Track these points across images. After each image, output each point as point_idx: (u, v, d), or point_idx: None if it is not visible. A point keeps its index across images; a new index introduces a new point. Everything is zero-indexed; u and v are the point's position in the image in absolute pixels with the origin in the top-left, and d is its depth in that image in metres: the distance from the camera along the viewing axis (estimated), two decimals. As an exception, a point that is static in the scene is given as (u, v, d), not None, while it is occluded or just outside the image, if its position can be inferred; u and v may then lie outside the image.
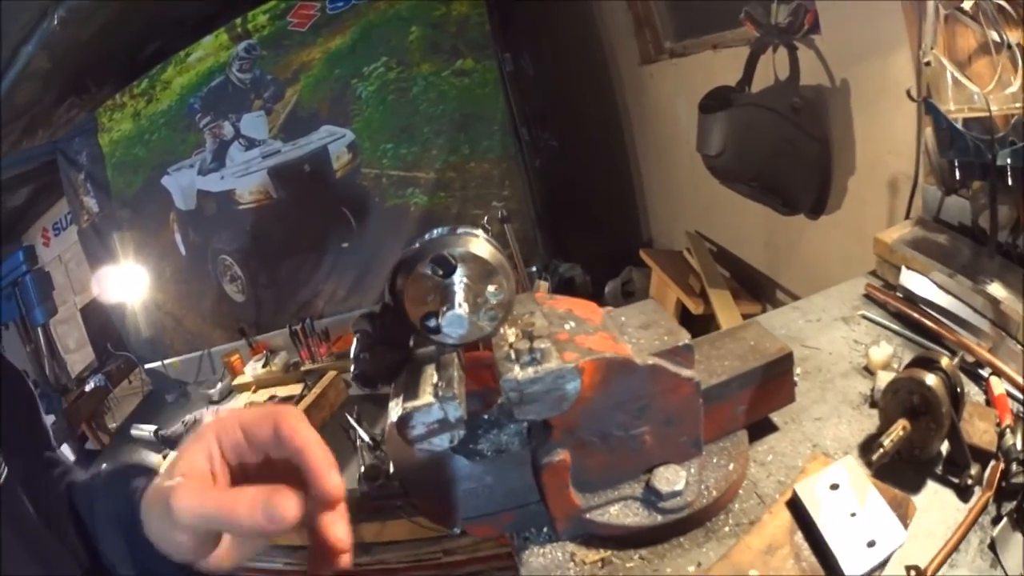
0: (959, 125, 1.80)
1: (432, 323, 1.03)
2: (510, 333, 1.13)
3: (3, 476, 0.95)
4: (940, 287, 1.82)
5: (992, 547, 1.16)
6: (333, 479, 0.71)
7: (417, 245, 1.06)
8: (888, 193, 2.47)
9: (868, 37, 2.38)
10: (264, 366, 4.40)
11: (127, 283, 4.82)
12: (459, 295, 1.01)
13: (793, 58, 2.68)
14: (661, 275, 4.00)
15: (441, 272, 1.04)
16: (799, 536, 1.13)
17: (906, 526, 1.13)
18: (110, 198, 5.30)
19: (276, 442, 0.74)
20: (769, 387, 1.36)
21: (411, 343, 1.13)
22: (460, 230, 1.07)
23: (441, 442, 1.03)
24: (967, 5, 1.79)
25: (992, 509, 1.22)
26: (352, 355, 1.14)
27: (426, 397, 1.01)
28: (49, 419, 4.55)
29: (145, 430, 4.15)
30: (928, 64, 1.84)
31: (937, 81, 1.85)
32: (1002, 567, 1.14)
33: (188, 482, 0.74)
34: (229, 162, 4.93)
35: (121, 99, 5.03)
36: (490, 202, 4.50)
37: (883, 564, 1.10)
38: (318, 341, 4.29)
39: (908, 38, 2.08)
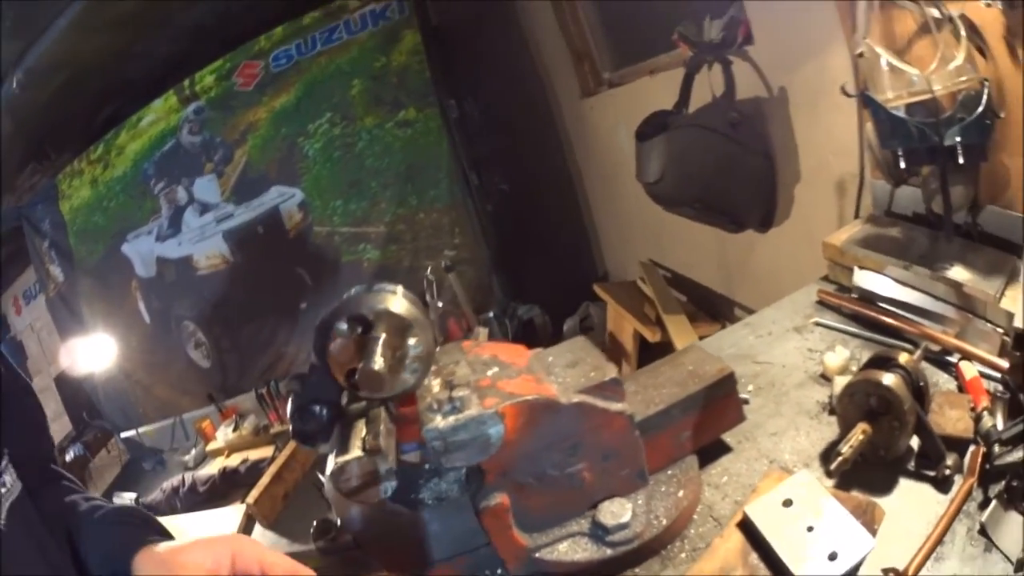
0: (901, 112, 1.82)
1: (355, 380, 1.05)
2: (434, 384, 1.15)
3: (18, 492, 1.04)
4: (897, 281, 1.84)
5: (983, 531, 1.16)
6: None
7: (336, 305, 1.09)
8: (836, 195, 2.50)
9: (802, 40, 2.43)
10: (235, 430, 4.42)
11: (95, 353, 4.85)
12: (378, 352, 1.03)
13: (728, 73, 2.73)
14: (616, 307, 4.03)
15: (360, 330, 1.06)
16: (754, 557, 1.14)
17: (874, 531, 1.14)
18: (74, 267, 5.32)
19: None
20: (714, 410, 1.37)
21: (343, 400, 1.15)
22: (376, 287, 1.10)
23: (374, 494, 1.05)
24: None
25: (978, 494, 1.23)
26: (288, 416, 1.15)
27: (355, 451, 1.03)
28: None
29: (125, 498, 4.13)
30: (861, 55, 1.86)
31: (873, 71, 1.86)
32: (998, 549, 1.14)
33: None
34: (185, 227, 4.97)
35: (79, 165, 5.08)
36: (442, 251, 4.54)
37: (852, 573, 1.10)
38: (285, 403, 4.26)
39: (843, 34, 2.12)
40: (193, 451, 4.51)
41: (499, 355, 1.26)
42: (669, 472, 1.32)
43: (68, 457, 5.27)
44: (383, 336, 1.06)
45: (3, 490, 1.01)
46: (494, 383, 1.15)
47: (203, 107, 4.76)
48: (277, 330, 5.03)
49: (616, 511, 1.21)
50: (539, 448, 1.16)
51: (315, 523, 1.32)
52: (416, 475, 1.15)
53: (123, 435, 5.42)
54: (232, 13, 4.40)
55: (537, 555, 1.20)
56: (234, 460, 4.13)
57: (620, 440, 1.22)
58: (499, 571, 1.23)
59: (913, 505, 1.23)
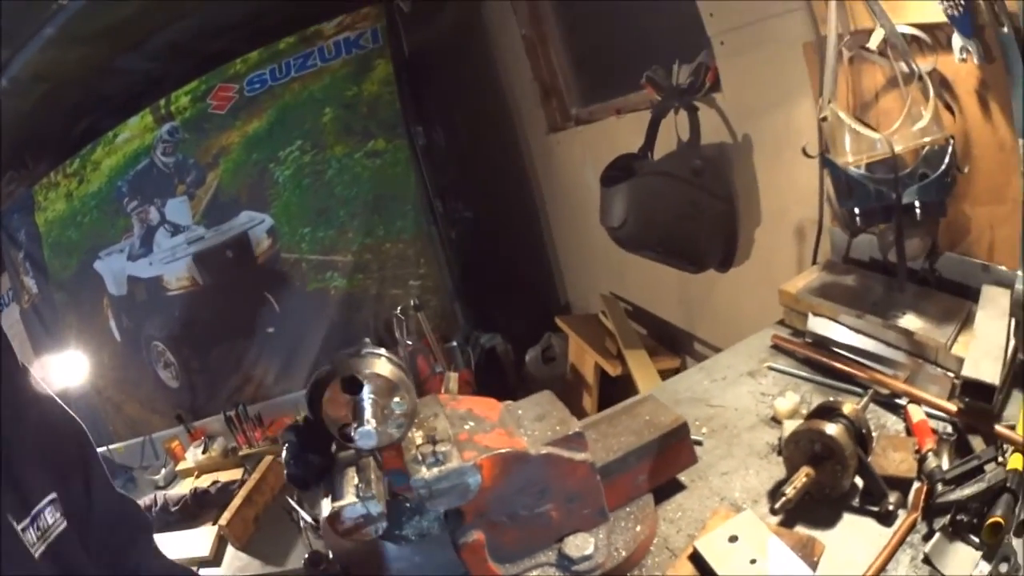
0: (863, 169, 1.94)
1: (348, 434, 1.19)
2: (417, 436, 1.30)
3: (61, 528, 1.12)
4: (850, 328, 1.98)
5: (927, 561, 1.28)
6: None
7: (328, 367, 1.24)
8: (796, 240, 2.62)
9: (770, 91, 2.54)
10: (204, 452, 4.46)
11: (66, 369, 4.83)
12: (368, 411, 1.18)
13: (693, 120, 2.83)
14: (578, 340, 4.13)
15: (351, 390, 1.21)
16: None
17: (813, 564, 1.29)
18: (48, 280, 5.35)
19: None
20: (668, 454, 1.54)
21: (333, 448, 1.29)
22: (365, 351, 1.25)
23: (367, 533, 1.19)
24: (873, 44, 1.93)
25: (923, 527, 1.35)
26: (284, 462, 1.29)
27: (349, 497, 1.17)
28: None
29: (95, 513, 4.16)
30: (824, 120, 1.99)
31: (835, 132, 1.98)
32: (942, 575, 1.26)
33: None
34: (156, 248, 5.02)
35: (56, 177, 5.11)
36: (407, 281, 4.70)
37: None
38: (253, 426, 4.39)
39: (811, 89, 2.22)
40: (163, 471, 4.53)
41: (474, 409, 1.41)
42: (628, 509, 1.48)
43: None
44: (372, 396, 1.20)
45: (36, 534, 1.08)
46: (471, 437, 1.31)
47: (177, 128, 4.81)
48: (245, 353, 5.08)
49: (580, 544, 1.37)
50: (511, 492, 1.32)
51: (307, 555, 1.48)
52: (400, 513, 1.29)
53: None
54: (207, 33, 4.48)
55: None
56: (204, 481, 4.16)
57: (583, 484, 1.38)
58: None
59: (858, 538, 1.37)
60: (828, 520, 1.42)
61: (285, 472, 1.30)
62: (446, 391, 3.11)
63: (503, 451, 1.28)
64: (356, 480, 1.20)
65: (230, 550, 3.40)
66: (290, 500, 2.92)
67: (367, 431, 1.17)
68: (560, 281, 5.46)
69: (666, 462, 1.55)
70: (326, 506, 1.20)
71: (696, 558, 1.34)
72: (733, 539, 1.34)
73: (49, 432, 1.25)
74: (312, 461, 1.27)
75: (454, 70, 5.12)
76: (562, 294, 5.46)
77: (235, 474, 4.09)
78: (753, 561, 1.28)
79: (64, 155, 5.05)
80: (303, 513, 2.69)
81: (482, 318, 4.99)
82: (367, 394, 1.21)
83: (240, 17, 4.50)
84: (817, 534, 1.38)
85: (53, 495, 1.14)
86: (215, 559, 3.38)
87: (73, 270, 5.29)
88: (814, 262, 2.41)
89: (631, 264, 3.55)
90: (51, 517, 1.12)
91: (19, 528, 1.04)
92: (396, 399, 1.23)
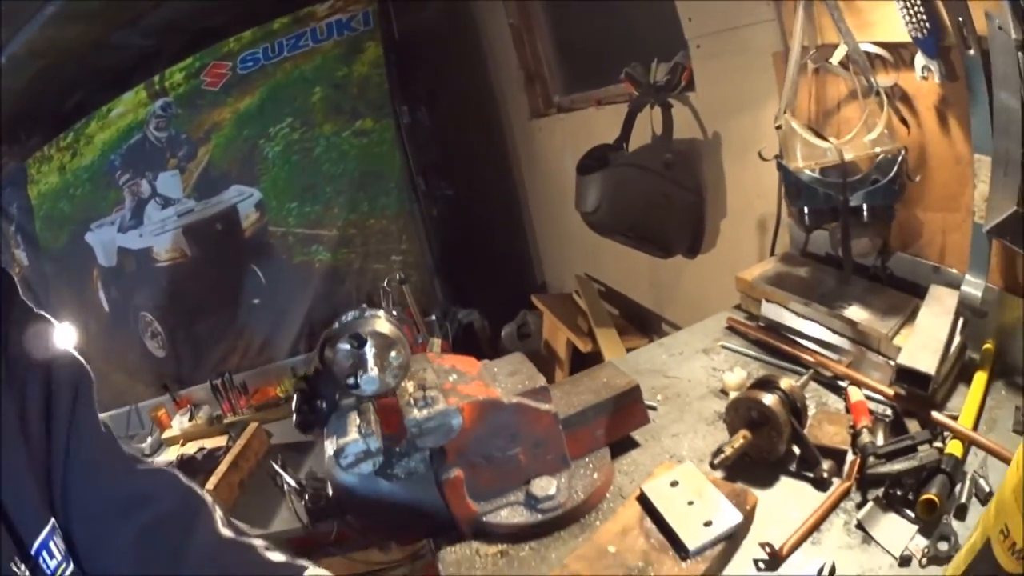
0: (817, 172, 2.14)
1: (352, 382, 1.43)
2: (409, 385, 1.54)
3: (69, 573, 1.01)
4: (798, 315, 2.19)
5: (860, 527, 1.42)
6: None
7: (337, 326, 1.49)
8: (758, 232, 2.81)
9: (740, 94, 2.71)
10: (190, 420, 4.62)
11: (57, 339, 4.89)
12: (371, 362, 1.43)
13: (667, 116, 3.01)
14: (551, 318, 4.34)
15: (356, 344, 1.46)
16: (648, 521, 1.49)
17: (746, 512, 1.45)
18: (39, 253, 5.44)
19: None
20: (622, 413, 1.79)
21: (338, 397, 1.55)
22: (368, 313, 1.50)
23: (366, 467, 1.44)
24: (836, 59, 2.10)
25: (856, 497, 1.50)
26: (294, 409, 1.55)
27: (352, 434, 1.42)
28: None
29: (80, 482, 4.28)
30: (779, 128, 2.16)
31: (789, 140, 2.13)
32: (876, 541, 1.39)
33: None
34: (147, 220, 5.14)
35: (49, 151, 5.19)
36: (390, 256, 4.89)
37: (725, 539, 1.41)
38: (238, 394, 4.58)
39: (778, 95, 2.33)
40: (149, 439, 4.64)
41: (456, 365, 1.67)
42: (587, 460, 1.73)
43: None
44: (374, 350, 1.46)
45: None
46: (455, 387, 1.56)
47: (170, 103, 4.91)
48: (231, 323, 5.22)
49: (544, 485, 1.62)
50: (487, 435, 1.57)
51: (306, 497, 1.74)
52: (391, 455, 1.52)
53: None
54: (203, 12, 4.59)
55: (484, 519, 1.60)
56: (190, 448, 4.31)
57: (548, 432, 1.64)
58: (453, 533, 1.65)
59: (793, 499, 1.54)
60: (766, 481, 1.61)
61: (294, 417, 1.54)
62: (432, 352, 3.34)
63: (481, 398, 1.54)
64: (358, 421, 1.44)
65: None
66: (274, 465, 2.96)
67: (371, 377, 1.42)
68: (537, 261, 5.65)
69: (621, 420, 1.80)
70: (330, 445, 1.44)
71: (643, 499, 1.55)
72: (674, 484, 1.54)
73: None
74: (319, 407, 1.52)
75: (442, 54, 5.25)
76: (539, 274, 5.64)
77: (220, 441, 4.25)
78: (691, 503, 1.48)
79: (56, 129, 5.13)
80: (287, 477, 2.86)
81: (460, 294, 5.15)
82: (369, 348, 1.46)
83: (234, -3, 4.58)
84: (755, 491, 1.55)
85: (52, 522, 1.01)
86: None
87: (64, 242, 5.38)
88: (772, 253, 2.61)
89: (605, 248, 3.68)
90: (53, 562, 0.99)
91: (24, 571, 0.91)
92: (393, 353, 1.48)
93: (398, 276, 3.69)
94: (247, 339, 5.27)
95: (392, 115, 4.86)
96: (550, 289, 5.43)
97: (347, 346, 1.46)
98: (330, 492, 1.59)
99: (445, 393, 1.53)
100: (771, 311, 2.27)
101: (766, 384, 1.71)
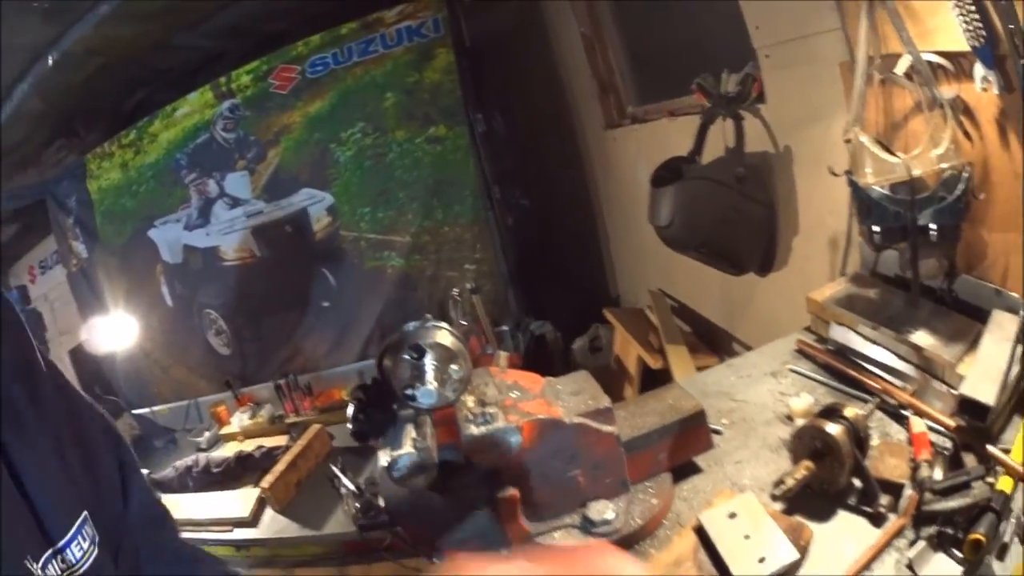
0: (886, 189, 2.06)
1: (410, 393, 1.40)
2: (468, 400, 1.51)
3: (93, 557, 0.96)
4: (866, 339, 2.11)
5: (910, 567, 1.35)
6: None
7: (398, 335, 1.45)
8: (829, 250, 2.72)
9: (809, 106, 2.64)
10: (251, 417, 4.62)
11: (115, 331, 5.01)
12: (430, 374, 1.39)
13: (739, 128, 2.95)
14: (623, 333, 4.26)
15: (416, 356, 1.42)
16: (702, 553, 1.45)
17: (801, 548, 1.40)
18: (98, 245, 5.52)
19: None
20: (686, 437, 1.73)
21: (395, 407, 1.51)
22: (429, 324, 1.46)
23: (419, 481, 1.40)
24: (900, 69, 2.04)
25: (911, 534, 1.43)
26: (350, 417, 1.51)
27: (407, 447, 1.38)
28: None
29: (132, 472, 4.32)
30: (848, 142, 2.09)
31: (858, 155, 2.06)
32: None
33: None
34: (214, 219, 5.19)
35: (109, 148, 5.28)
36: (463, 264, 4.82)
37: None
38: (302, 395, 4.55)
39: (846, 106, 2.27)
40: (207, 433, 4.64)
41: (519, 381, 1.63)
42: (647, 484, 1.68)
43: None
44: (434, 363, 1.42)
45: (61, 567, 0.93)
46: (516, 404, 1.52)
47: (238, 105, 4.95)
48: (298, 325, 5.21)
49: (601, 509, 1.57)
50: (546, 455, 1.53)
51: (358, 505, 1.71)
52: (447, 468, 1.48)
53: (135, 412, 5.54)
54: (266, 15, 4.63)
55: (537, 539, 1.56)
56: (249, 445, 4.28)
57: (608, 454, 1.59)
58: (505, 552, 1.56)
59: (849, 534, 1.48)
60: (823, 513, 1.55)
61: (349, 426, 1.51)
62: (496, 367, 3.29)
63: (541, 417, 1.49)
64: (413, 434, 1.40)
65: (268, 512, 3.52)
66: (334, 468, 3.05)
67: (428, 391, 1.38)
68: (611, 274, 5.53)
69: (685, 444, 1.73)
70: (384, 456, 1.40)
71: (700, 530, 1.50)
72: (732, 515, 1.49)
73: (79, 440, 1.04)
74: (375, 417, 1.48)
75: (513, 62, 5.20)
76: (612, 287, 5.53)
77: (280, 440, 4.22)
78: (747, 537, 1.43)
79: (117, 126, 5.22)
80: (345, 480, 2.85)
81: (533, 305, 5.07)
82: (429, 360, 1.42)
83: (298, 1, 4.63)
84: (811, 524, 1.49)
85: (84, 515, 0.96)
86: (252, 520, 3.53)
87: (127, 237, 5.47)
88: (842, 273, 2.54)
89: (679, 262, 3.61)
90: (79, 550, 0.94)
91: (38, 567, 0.87)
92: (454, 366, 1.44)
93: (469, 285, 3.65)
94: (314, 342, 5.26)
95: (466, 122, 4.80)
96: (624, 303, 5.31)
97: (407, 356, 1.43)
98: (381, 502, 1.55)
99: (505, 410, 1.50)
100: (839, 334, 2.20)
101: (832, 413, 1.64)
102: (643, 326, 4.22)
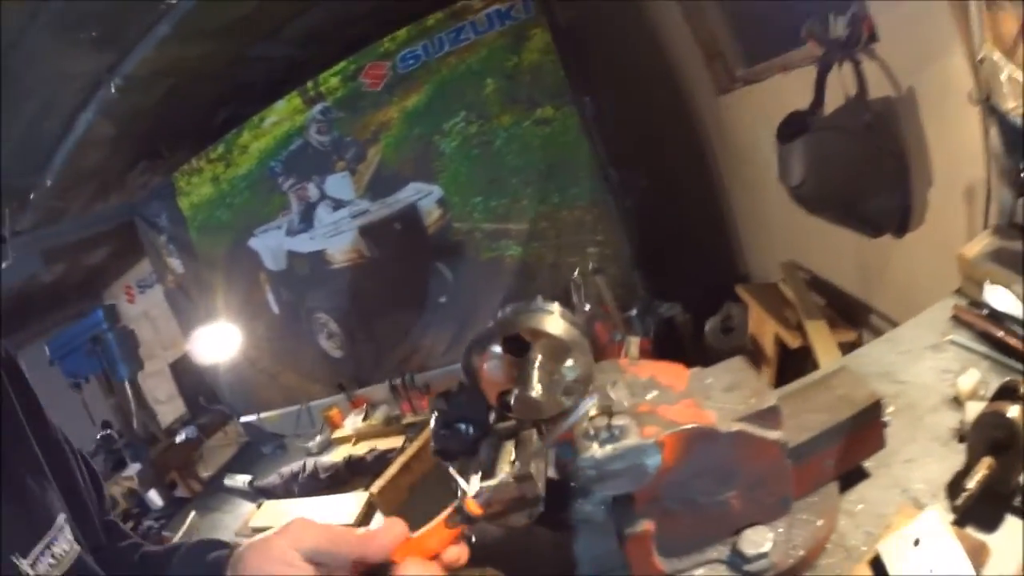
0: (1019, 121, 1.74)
1: (507, 400, 1.02)
2: (591, 406, 1.10)
3: (77, 555, 0.99)
4: (1020, 299, 1.71)
5: None
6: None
7: (491, 324, 1.06)
8: (966, 202, 2.40)
9: (924, 39, 2.37)
10: (364, 419, 4.43)
11: (220, 342, 4.92)
12: (534, 375, 0.99)
13: (859, 73, 2.66)
14: (758, 310, 3.92)
15: (514, 350, 1.03)
16: None
17: (980, 573, 1.07)
18: (195, 259, 5.47)
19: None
20: (859, 436, 1.29)
21: (491, 418, 1.12)
22: (534, 306, 1.06)
23: (518, 519, 1.01)
24: None
25: None
26: (432, 432, 1.14)
27: (503, 475, 0.99)
28: (134, 467, 4.80)
29: (239, 480, 4.21)
30: (982, 62, 1.81)
31: (995, 78, 1.79)
32: None
33: (303, 519, 0.92)
34: (317, 223, 5.03)
35: (198, 164, 5.21)
36: (585, 248, 4.45)
37: None
38: (419, 394, 4.33)
39: (960, 36, 2.03)
40: (318, 438, 4.49)
41: (658, 376, 1.20)
42: (810, 499, 1.25)
43: (179, 439, 5.40)
44: (539, 359, 1.02)
45: (51, 562, 0.96)
46: (653, 409, 1.10)
47: (330, 107, 4.79)
48: (414, 323, 5.02)
49: (758, 540, 1.15)
50: (692, 476, 1.11)
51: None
52: (561, 492, 1.10)
53: (243, 419, 5.54)
54: (348, 18, 4.49)
55: None
56: (361, 449, 4.10)
57: (771, 468, 1.16)
58: None
59: (1015, 544, 1.13)
60: (990, 520, 1.18)
61: (431, 446, 1.16)
62: (626, 357, 2.88)
63: (689, 427, 1.07)
64: (513, 456, 1.02)
65: (377, 518, 3.28)
66: (451, 469, 2.79)
67: (528, 396, 0.98)
68: (738, 249, 5.22)
69: (857, 445, 1.30)
70: (474, 484, 1.01)
71: (876, 564, 1.12)
72: (917, 543, 1.10)
73: (57, 448, 1.12)
74: (463, 432, 1.11)
75: (612, 38, 4.89)
76: (740, 263, 5.21)
77: (395, 442, 4.00)
78: (931, 571, 1.06)
79: (204, 142, 5.16)
80: (462, 483, 2.54)
81: (660, 287, 4.70)
82: (534, 355, 1.02)
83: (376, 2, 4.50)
84: (982, 538, 1.14)
85: (64, 515, 1.02)
86: (358, 526, 3.23)
87: (226, 248, 5.40)
88: (985, 226, 2.16)
89: (808, 230, 3.41)
90: (65, 544, 0.98)
91: (27, 563, 0.91)
92: (568, 362, 1.04)
93: (591, 266, 3.37)
94: (432, 338, 5.04)
95: (573, 102, 4.47)
96: (753, 279, 4.94)
97: (499, 351, 1.03)
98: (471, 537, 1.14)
99: (639, 419, 1.07)
100: (995, 296, 1.77)
101: (1009, 393, 1.21)
102: (777, 302, 3.87)
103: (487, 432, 1.11)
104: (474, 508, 0.94)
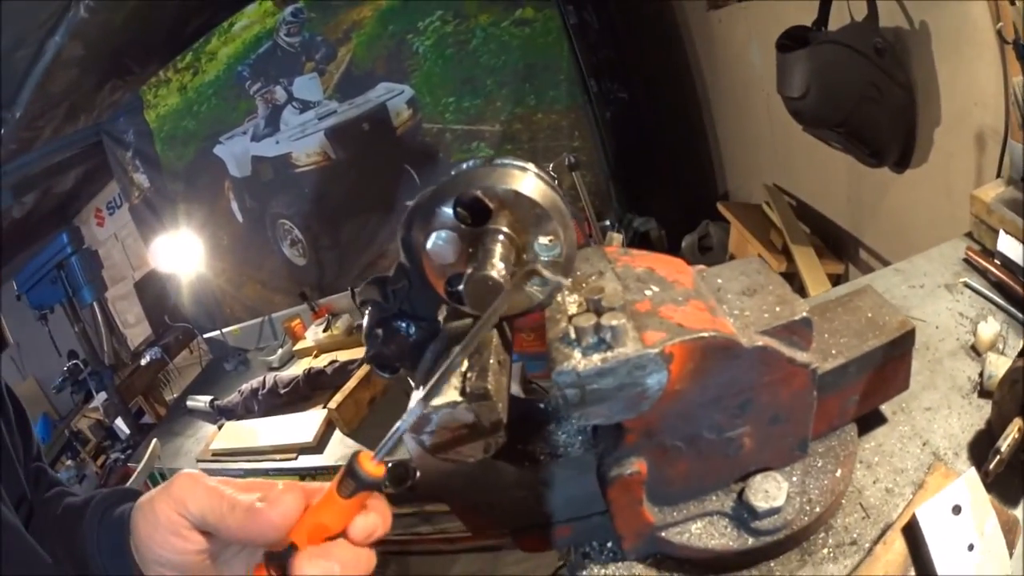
0: None
1: (454, 289, 0.73)
2: (571, 302, 0.81)
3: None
4: None
5: None
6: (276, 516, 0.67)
7: (441, 183, 0.75)
8: (975, 147, 2.21)
9: None
10: (325, 330, 4.20)
11: (183, 253, 4.67)
12: (495, 252, 0.69)
13: None
14: (741, 229, 3.70)
15: (471, 220, 0.73)
16: (912, 574, 0.90)
17: (1011, 553, 0.93)
18: (161, 172, 5.21)
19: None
20: (887, 371, 1.04)
21: (440, 314, 0.83)
22: (499, 162, 0.75)
23: (472, 452, 0.74)
24: None
25: None
26: (363, 333, 0.86)
27: (451, 394, 0.71)
28: (100, 396, 4.60)
29: (200, 400, 4.00)
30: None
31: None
32: None
33: (189, 476, 0.73)
34: (283, 126, 4.73)
35: (165, 75, 4.92)
36: (560, 153, 4.17)
37: None
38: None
39: None
40: (279, 351, 4.29)
41: (656, 269, 0.90)
42: (827, 443, 1.01)
43: (144, 361, 5.15)
44: (504, 230, 0.72)
45: None
46: (655, 309, 0.79)
47: (301, 8, 4.46)
48: (380, 227, 4.75)
49: (771, 491, 0.90)
50: (702, 404, 0.82)
51: (388, 467, 1.00)
52: (527, 417, 0.86)
53: (206, 336, 5.30)
54: None
55: (663, 534, 0.92)
56: (322, 361, 3.86)
57: (795, 400, 0.88)
58: (608, 544, 0.96)
59: None
60: (1015, 492, 1.03)
61: (365, 348, 0.87)
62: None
63: (707, 334, 0.76)
64: (466, 367, 0.73)
65: (336, 436, 3.09)
66: (411, 380, 2.54)
67: (484, 276, 0.67)
68: (719, 168, 4.99)
69: (883, 381, 1.05)
70: (414, 404, 0.70)
71: (911, 530, 0.93)
72: (957, 510, 0.93)
73: None
74: (404, 332, 0.83)
75: None
76: (720, 182, 4.99)
77: (357, 353, 3.76)
78: (971, 548, 0.91)
79: (174, 54, 4.85)
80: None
81: (636, 200, 4.51)
82: (497, 225, 0.72)
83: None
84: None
85: None
86: (318, 446, 3.08)
87: (190, 159, 5.12)
88: (998, 175, 2.00)
89: (798, 154, 3.23)
90: None
91: None
92: (543, 239, 0.74)
93: (567, 160, 3.05)
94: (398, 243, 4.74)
95: (556, 4, 4.15)
96: (732, 199, 4.77)
97: (451, 217, 0.72)
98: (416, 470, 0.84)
99: (637, 320, 0.76)
100: (1009, 246, 1.64)
101: None
102: (762, 224, 3.67)
103: (435, 333, 0.83)
104: (372, 469, 0.64)
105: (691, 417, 0.82)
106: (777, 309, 0.86)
